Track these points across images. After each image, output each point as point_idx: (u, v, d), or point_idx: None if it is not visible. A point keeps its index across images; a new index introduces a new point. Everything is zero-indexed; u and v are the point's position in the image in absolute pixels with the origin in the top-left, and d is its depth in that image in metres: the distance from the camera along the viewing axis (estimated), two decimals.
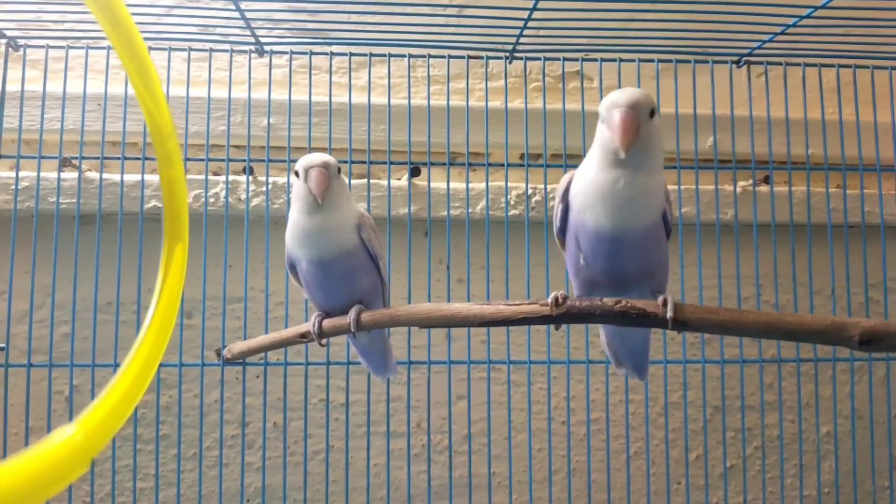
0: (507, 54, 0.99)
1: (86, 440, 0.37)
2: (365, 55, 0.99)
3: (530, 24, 0.88)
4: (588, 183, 0.65)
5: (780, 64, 1.01)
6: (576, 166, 1.00)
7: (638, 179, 0.63)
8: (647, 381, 0.99)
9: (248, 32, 0.91)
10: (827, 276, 0.99)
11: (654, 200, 0.65)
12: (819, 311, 1.03)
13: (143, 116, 0.47)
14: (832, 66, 1.01)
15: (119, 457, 0.97)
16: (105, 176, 0.97)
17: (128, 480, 0.98)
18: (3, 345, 0.93)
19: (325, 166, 0.72)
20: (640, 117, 0.61)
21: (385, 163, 0.99)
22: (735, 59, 1.00)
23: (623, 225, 0.64)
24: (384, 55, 0.99)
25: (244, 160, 0.98)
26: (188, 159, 0.98)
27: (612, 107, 0.62)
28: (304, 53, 0.98)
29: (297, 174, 0.74)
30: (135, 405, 0.43)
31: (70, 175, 0.97)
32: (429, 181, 0.99)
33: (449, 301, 0.98)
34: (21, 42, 0.96)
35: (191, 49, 0.96)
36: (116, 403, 0.40)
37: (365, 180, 1.00)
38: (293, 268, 0.78)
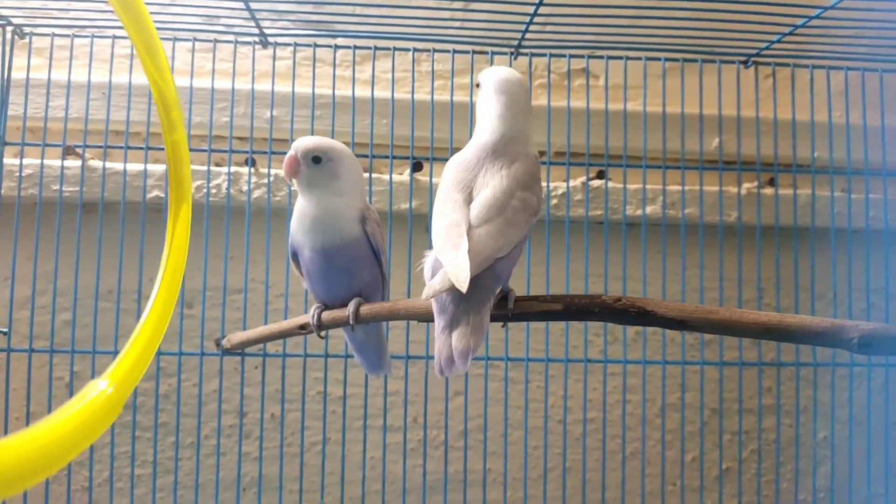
0: (513, 50, 0.98)
1: (116, 391, 0.41)
2: (369, 48, 0.98)
3: (536, 19, 0.87)
4: None
5: (788, 65, 1.00)
6: (580, 164, 1.01)
7: None
8: (646, 382, 0.99)
9: (253, 24, 0.91)
10: (829, 280, 0.99)
11: None
12: (820, 316, 1.02)
13: (150, 87, 0.49)
14: (840, 68, 1.00)
15: (118, 443, 0.97)
16: (108, 165, 0.98)
17: (126, 467, 0.99)
18: (5, 330, 0.94)
19: (296, 150, 0.74)
20: None
21: (387, 157, 0.99)
22: (743, 59, 0.99)
23: None
24: (388, 49, 0.98)
25: (247, 152, 0.99)
26: (191, 150, 0.98)
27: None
28: (309, 46, 0.98)
29: None
30: (154, 352, 0.46)
31: (73, 163, 0.98)
32: (430, 176, 0.99)
33: None
34: (27, 30, 0.96)
35: (195, 39, 0.96)
36: (140, 353, 0.44)
37: (367, 174, 1.00)
38: (295, 257, 0.78)
